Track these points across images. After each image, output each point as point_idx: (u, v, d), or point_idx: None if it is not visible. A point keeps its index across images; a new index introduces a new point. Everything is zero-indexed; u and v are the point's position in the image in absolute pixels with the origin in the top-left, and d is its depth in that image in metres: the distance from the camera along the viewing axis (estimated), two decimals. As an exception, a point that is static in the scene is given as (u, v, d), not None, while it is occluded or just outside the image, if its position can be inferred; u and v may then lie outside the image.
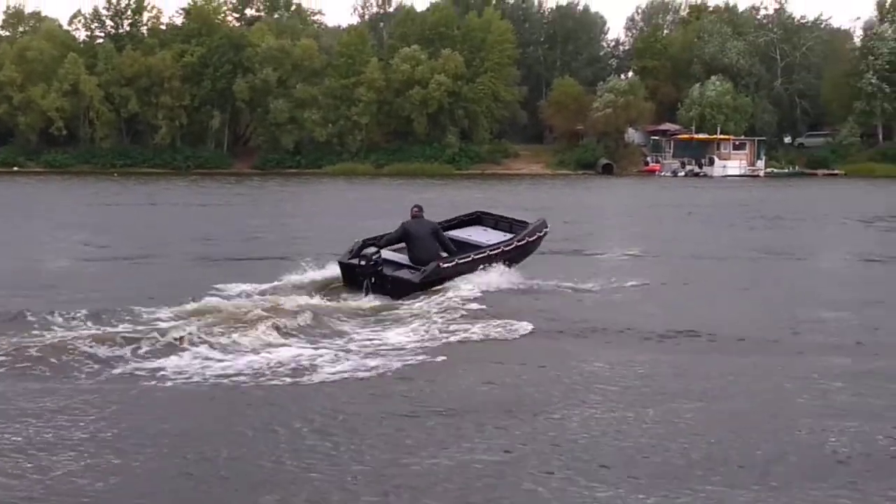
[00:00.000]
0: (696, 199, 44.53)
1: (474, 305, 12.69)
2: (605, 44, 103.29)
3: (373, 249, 14.24)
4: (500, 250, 15.78)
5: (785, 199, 45.39)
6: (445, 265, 14.60)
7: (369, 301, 13.32)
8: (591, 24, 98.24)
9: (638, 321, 11.80)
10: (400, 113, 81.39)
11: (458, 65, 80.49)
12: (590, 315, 12.39)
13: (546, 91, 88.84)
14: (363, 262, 13.88)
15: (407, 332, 11.04)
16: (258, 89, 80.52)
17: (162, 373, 9.01)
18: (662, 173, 77.57)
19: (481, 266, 15.11)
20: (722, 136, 79.00)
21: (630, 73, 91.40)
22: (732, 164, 77.59)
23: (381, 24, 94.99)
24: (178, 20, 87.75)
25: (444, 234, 15.50)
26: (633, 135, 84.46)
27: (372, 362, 9.43)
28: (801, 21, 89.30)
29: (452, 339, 10.69)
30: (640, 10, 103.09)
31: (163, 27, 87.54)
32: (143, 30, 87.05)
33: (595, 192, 55.90)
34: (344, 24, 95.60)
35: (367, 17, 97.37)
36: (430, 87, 78.84)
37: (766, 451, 6.78)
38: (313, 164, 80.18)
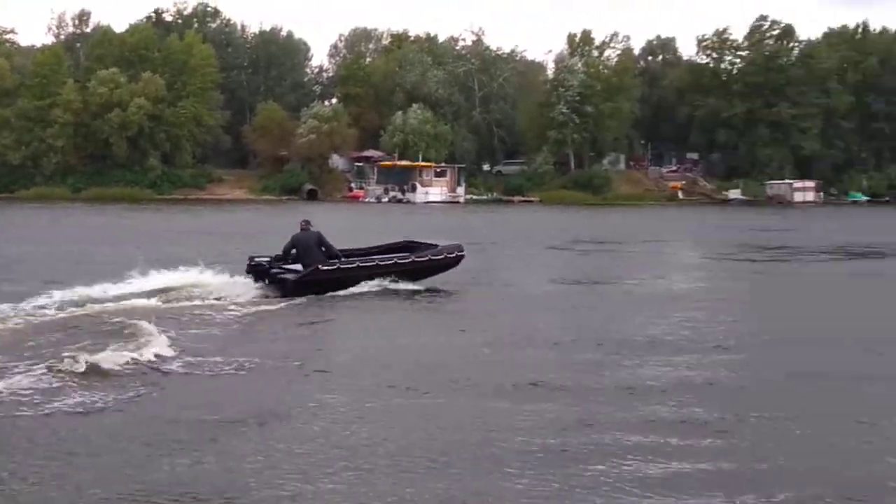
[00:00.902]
0: (404, 223, 52.39)
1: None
2: (309, 70, 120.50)
3: (266, 259, 20.76)
4: (392, 262, 21.10)
5: (489, 224, 54.97)
6: (325, 268, 20.13)
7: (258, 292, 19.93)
8: (295, 50, 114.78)
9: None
10: (98, 136, 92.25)
11: (158, 88, 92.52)
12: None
13: (250, 116, 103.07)
14: (260, 267, 20.61)
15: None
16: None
17: None
18: (367, 199, 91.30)
19: (368, 276, 20.65)
20: (424, 164, 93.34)
21: (334, 100, 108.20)
22: (434, 191, 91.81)
23: (78, 44, 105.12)
24: None
25: (364, 257, 21.41)
26: (337, 161, 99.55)
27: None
28: (498, 53, 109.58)
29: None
30: (343, 38, 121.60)
31: None
32: None
33: (305, 216, 67.78)
34: (39, 44, 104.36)
35: (62, 36, 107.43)
36: (130, 109, 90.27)
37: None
38: (5, 189, 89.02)
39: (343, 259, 20.92)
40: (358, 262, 20.96)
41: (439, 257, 21.99)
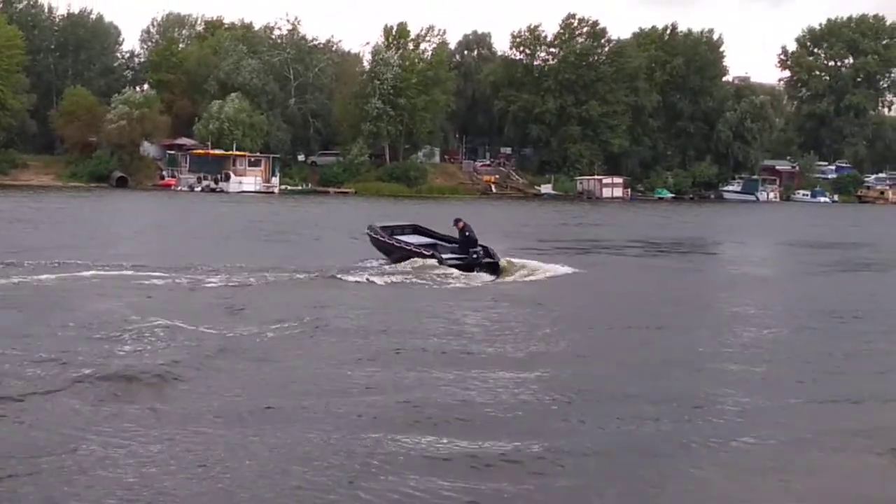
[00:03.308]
0: (219, 212, 55.67)
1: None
2: (119, 55, 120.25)
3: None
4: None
5: (303, 217, 56.59)
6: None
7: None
8: (105, 34, 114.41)
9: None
10: None
11: None
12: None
13: (57, 100, 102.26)
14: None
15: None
16: None
17: None
18: (179, 188, 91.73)
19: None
20: (238, 153, 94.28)
21: (146, 86, 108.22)
22: (248, 181, 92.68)
23: None
24: None
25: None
26: (148, 148, 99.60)
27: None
28: (314, 43, 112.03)
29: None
30: (155, 23, 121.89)
31: None
32: None
33: (112, 204, 67.82)
34: None
35: None
36: None
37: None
38: None
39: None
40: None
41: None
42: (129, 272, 23.03)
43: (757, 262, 35.89)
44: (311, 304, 18.82)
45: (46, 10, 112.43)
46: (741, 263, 34.75)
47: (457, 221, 26.71)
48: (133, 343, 14.14)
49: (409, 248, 26.54)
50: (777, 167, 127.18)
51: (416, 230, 29.01)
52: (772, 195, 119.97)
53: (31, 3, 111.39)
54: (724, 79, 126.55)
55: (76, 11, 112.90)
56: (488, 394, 11.72)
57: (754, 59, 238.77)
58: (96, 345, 13.94)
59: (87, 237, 35.68)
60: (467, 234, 26.23)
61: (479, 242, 26.01)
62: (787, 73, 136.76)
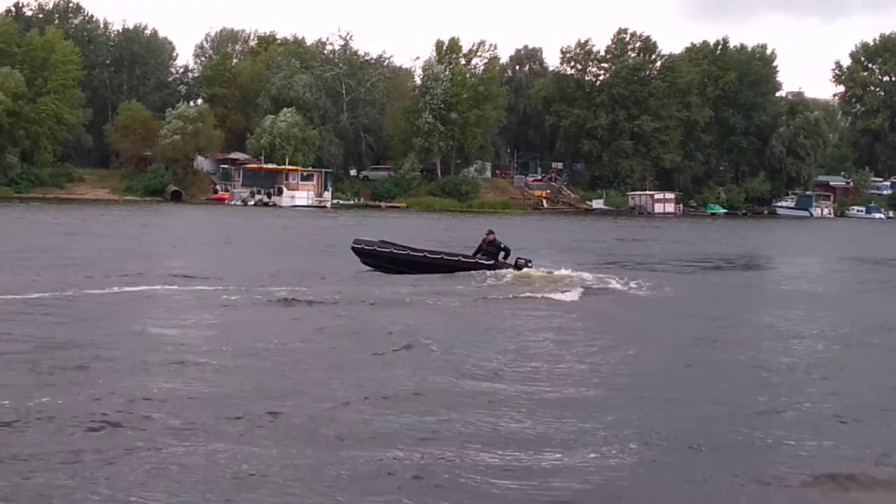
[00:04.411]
0: (274, 227, 56.61)
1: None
2: (173, 70, 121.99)
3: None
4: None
5: (367, 231, 56.01)
6: None
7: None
8: (160, 49, 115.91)
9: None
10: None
11: (18, 83, 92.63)
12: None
13: (112, 115, 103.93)
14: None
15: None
16: None
17: None
18: (232, 202, 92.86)
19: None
20: (290, 168, 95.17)
21: (199, 101, 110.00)
22: (301, 195, 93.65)
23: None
24: None
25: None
26: (202, 162, 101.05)
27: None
28: (366, 58, 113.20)
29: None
30: (209, 38, 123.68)
31: None
32: None
33: (168, 217, 69.13)
34: None
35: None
36: None
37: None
38: None
39: None
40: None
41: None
42: (206, 287, 22.94)
43: (813, 279, 35.42)
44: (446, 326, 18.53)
45: (102, 25, 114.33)
46: (797, 280, 34.41)
47: (489, 234, 28.24)
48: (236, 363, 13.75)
49: (466, 260, 27.94)
50: (831, 183, 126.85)
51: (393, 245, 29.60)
52: (826, 211, 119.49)
53: (87, 18, 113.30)
54: (778, 94, 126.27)
55: (131, 27, 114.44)
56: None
57: (808, 74, 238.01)
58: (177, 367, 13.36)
59: (154, 251, 36.04)
60: (501, 245, 27.94)
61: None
62: (841, 89, 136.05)
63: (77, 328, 16.59)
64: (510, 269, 26.65)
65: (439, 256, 28.28)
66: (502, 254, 27.70)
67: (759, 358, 16.28)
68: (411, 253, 28.50)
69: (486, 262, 27.38)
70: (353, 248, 29.51)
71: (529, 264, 27.05)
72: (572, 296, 23.31)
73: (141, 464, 9.00)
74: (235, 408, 10.99)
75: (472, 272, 26.60)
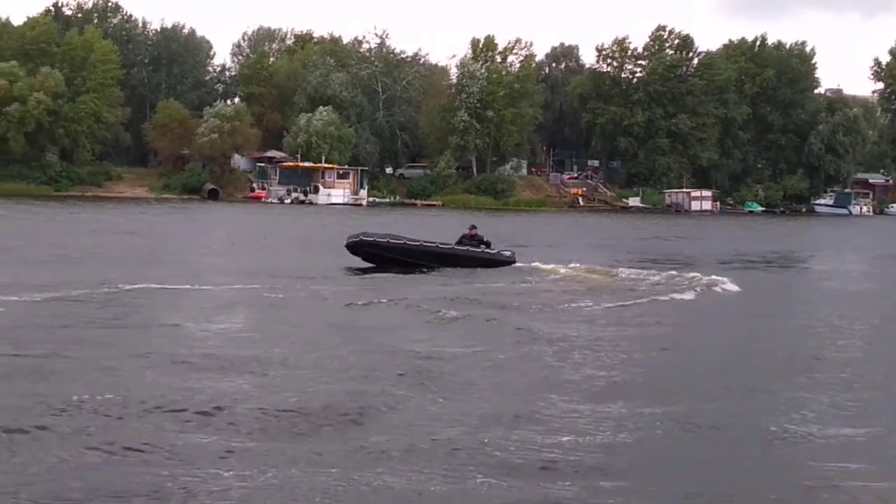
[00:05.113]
0: (311, 224, 58.06)
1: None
2: (211, 68, 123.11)
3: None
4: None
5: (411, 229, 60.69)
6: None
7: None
8: (197, 48, 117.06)
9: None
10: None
11: (57, 82, 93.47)
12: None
13: (150, 114, 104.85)
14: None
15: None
16: None
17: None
18: (269, 200, 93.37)
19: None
20: (327, 166, 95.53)
21: (236, 99, 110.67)
22: (337, 193, 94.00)
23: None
24: None
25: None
26: (239, 161, 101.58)
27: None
28: (402, 56, 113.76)
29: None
30: (246, 37, 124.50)
31: None
32: None
33: (207, 215, 69.76)
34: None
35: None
36: (30, 104, 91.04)
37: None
38: None
39: None
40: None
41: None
42: (256, 285, 22.73)
43: (856, 278, 35.07)
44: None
45: (140, 24, 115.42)
46: (838, 277, 33.95)
47: (472, 228, 29.57)
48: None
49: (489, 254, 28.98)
50: (870, 180, 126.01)
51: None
52: (865, 209, 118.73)
53: (126, 18, 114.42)
54: (816, 91, 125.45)
55: (169, 26, 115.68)
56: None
57: (847, 71, 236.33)
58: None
59: (198, 249, 36.46)
60: (483, 239, 29.42)
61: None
62: (880, 86, 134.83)
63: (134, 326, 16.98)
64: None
65: (450, 247, 28.98)
66: (483, 247, 28.96)
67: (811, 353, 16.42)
68: (424, 244, 28.81)
69: (495, 252, 29.01)
70: (348, 245, 28.77)
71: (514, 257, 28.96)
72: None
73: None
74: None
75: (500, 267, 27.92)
